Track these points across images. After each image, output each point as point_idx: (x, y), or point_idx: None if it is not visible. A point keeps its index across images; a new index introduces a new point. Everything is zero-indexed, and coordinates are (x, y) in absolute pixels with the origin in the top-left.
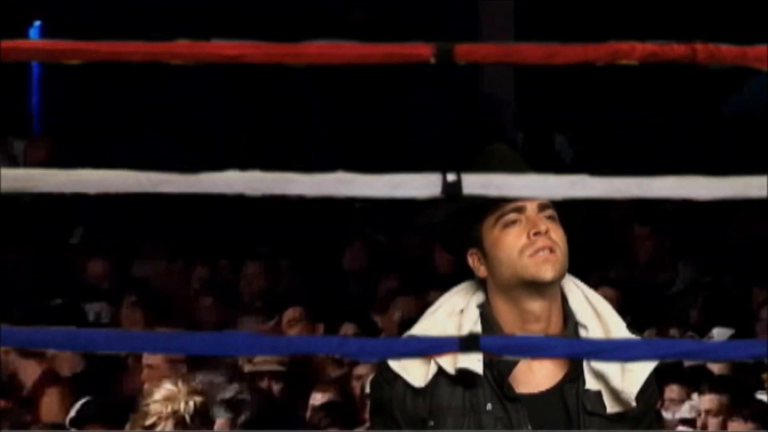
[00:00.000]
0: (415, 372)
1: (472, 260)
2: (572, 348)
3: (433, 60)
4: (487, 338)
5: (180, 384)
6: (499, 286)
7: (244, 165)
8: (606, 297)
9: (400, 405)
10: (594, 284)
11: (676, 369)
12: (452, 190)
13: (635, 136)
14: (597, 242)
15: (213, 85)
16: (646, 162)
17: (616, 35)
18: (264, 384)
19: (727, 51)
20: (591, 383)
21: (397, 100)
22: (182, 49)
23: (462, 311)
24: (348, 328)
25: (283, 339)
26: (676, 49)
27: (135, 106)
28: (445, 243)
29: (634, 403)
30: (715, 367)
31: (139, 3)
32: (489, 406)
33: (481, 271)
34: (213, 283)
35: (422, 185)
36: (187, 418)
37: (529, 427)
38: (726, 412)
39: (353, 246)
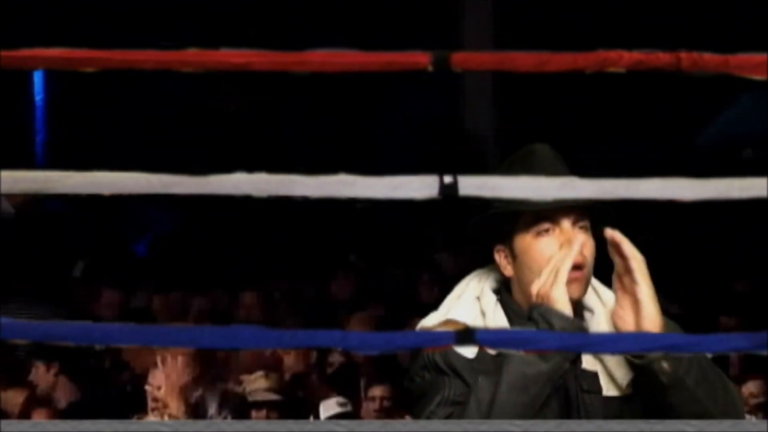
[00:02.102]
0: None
1: (499, 257)
2: (564, 341)
3: (430, 68)
4: (482, 331)
5: (183, 406)
6: (523, 289)
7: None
8: None
9: (444, 355)
10: None
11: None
12: (449, 192)
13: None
14: None
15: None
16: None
17: (599, 42)
18: (262, 415)
19: (710, 59)
20: (588, 363)
21: (375, 138)
22: (192, 57)
23: (478, 298)
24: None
25: (287, 333)
26: (662, 58)
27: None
28: (474, 233)
29: (628, 387)
30: None
31: (152, 15)
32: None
33: (508, 270)
34: (211, 312)
35: (420, 187)
36: None
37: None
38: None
39: (339, 276)
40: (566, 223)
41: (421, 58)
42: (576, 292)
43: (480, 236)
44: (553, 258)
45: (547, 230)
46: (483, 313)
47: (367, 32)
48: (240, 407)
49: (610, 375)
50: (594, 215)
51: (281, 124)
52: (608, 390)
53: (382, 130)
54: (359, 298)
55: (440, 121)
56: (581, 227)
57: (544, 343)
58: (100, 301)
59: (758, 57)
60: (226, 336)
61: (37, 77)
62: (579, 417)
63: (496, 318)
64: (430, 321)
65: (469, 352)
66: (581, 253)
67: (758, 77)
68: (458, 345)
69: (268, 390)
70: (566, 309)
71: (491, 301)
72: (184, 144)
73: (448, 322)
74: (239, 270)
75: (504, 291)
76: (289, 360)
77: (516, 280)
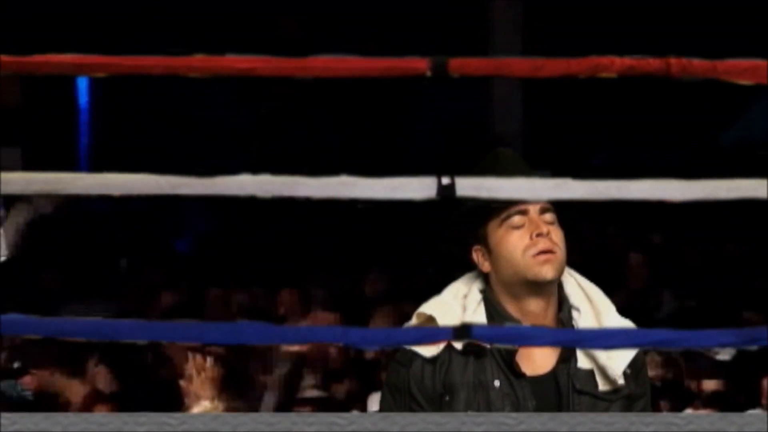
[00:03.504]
0: (426, 347)
1: (476, 256)
2: (557, 337)
3: (429, 73)
4: (478, 327)
5: (217, 401)
6: (501, 282)
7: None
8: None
9: (418, 383)
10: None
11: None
12: (447, 193)
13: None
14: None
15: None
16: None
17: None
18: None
19: (699, 65)
20: (582, 362)
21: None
22: (199, 63)
23: (465, 296)
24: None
25: (291, 329)
26: (652, 63)
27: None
28: (451, 240)
29: (621, 381)
30: (710, 384)
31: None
32: (497, 383)
33: (485, 266)
34: (251, 308)
35: (419, 188)
36: None
37: (534, 402)
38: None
39: (373, 274)
40: (534, 215)
41: (420, 64)
42: (549, 273)
43: (457, 242)
44: None
45: (517, 223)
46: (464, 309)
47: (398, 36)
48: (284, 403)
49: (602, 369)
50: (558, 208)
51: (312, 127)
52: (603, 386)
53: (411, 132)
54: (392, 296)
55: (469, 122)
56: (549, 220)
57: (539, 339)
58: (150, 298)
59: (745, 62)
60: (230, 332)
61: (82, 81)
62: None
63: (476, 315)
64: (413, 320)
65: (429, 352)
66: (551, 238)
67: (745, 82)
68: (455, 340)
69: (313, 387)
70: None
71: (475, 299)
72: (221, 145)
73: (418, 315)
74: (278, 268)
75: (489, 290)
76: (333, 354)
77: (494, 273)
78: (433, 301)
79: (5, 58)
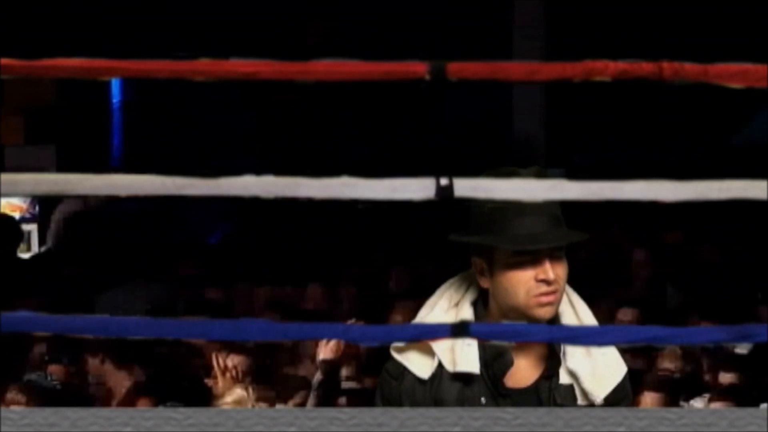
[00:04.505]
0: (420, 365)
1: (476, 266)
2: (552, 334)
3: (427, 77)
4: (476, 325)
5: (250, 390)
6: (496, 302)
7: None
8: (628, 317)
9: (409, 396)
10: (616, 305)
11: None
12: (445, 193)
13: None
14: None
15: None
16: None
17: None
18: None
19: (691, 68)
20: (564, 379)
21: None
22: (203, 67)
23: (457, 304)
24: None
25: (294, 325)
26: (645, 67)
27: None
28: (458, 235)
29: (600, 402)
30: (726, 378)
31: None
32: (483, 400)
33: (484, 282)
34: (277, 302)
35: (418, 189)
36: None
37: None
38: None
39: (398, 269)
40: (545, 254)
41: (419, 68)
42: (548, 314)
43: (460, 242)
44: None
45: (526, 259)
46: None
47: (419, 39)
48: (324, 394)
49: (583, 390)
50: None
51: (334, 127)
52: (582, 401)
53: (432, 130)
54: (414, 291)
55: (490, 121)
56: (557, 256)
57: (534, 335)
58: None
59: (735, 66)
60: (235, 329)
61: (115, 81)
62: (549, 402)
63: None
64: None
65: (425, 373)
66: (557, 283)
67: (735, 86)
68: (454, 337)
69: (348, 379)
70: None
71: (468, 314)
72: (246, 145)
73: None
74: (305, 264)
75: (480, 304)
76: (363, 349)
77: (492, 293)
78: (426, 310)
79: (15, 61)
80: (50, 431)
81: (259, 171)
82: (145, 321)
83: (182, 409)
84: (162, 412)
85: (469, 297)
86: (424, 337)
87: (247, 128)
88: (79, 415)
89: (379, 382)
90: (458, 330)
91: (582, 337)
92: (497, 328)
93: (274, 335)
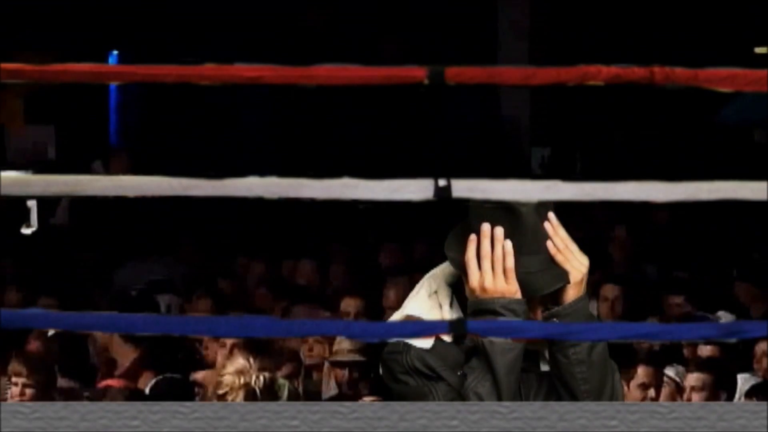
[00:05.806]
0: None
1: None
2: (547, 330)
3: (426, 81)
4: (473, 322)
5: (252, 360)
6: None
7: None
8: (611, 293)
9: (427, 356)
10: (599, 282)
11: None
12: (443, 194)
13: (636, 150)
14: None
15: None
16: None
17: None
18: (344, 374)
19: (681, 73)
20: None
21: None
22: (209, 71)
23: (436, 292)
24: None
25: (297, 322)
26: (636, 72)
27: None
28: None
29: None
30: (705, 350)
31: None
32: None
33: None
34: (270, 278)
35: (417, 189)
36: (257, 391)
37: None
38: (710, 390)
39: (386, 246)
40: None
41: (418, 73)
42: None
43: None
44: (486, 255)
45: None
46: (440, 306)
47: (411, 41)
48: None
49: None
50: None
51: (341, 127)
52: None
53: (431, 127)
54: (404, 267)
55: (479, 110)
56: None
57: (529, 332)
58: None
59: (725, 71)
60: (240, 326)
61: (112, 60)
62: (520, 391)
63: (453, 310)
64: (393, 319)
65: (427, 344)
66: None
67: (725, 90)
68: (451, 333)
69: (352, 351)
70: (519, 295)
71: (447, 294)
72: (259, 146)
73: (407, 317)
74: (299, 240)
75: (459, 285)
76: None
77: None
78: (411, 300)
79: (28, 66)
80: (60, 425)
81: (259, 167)
82: (152, 318)
83: (188, 403)
84: (169, 405)
85: (445, 281)
86: (423, 334)
87: (257, 130)
88: (88, 408)
89: (388, 371)
90: (456, 326)
91: (576, 333)
92: (494, 325)
93: (278, 332)
